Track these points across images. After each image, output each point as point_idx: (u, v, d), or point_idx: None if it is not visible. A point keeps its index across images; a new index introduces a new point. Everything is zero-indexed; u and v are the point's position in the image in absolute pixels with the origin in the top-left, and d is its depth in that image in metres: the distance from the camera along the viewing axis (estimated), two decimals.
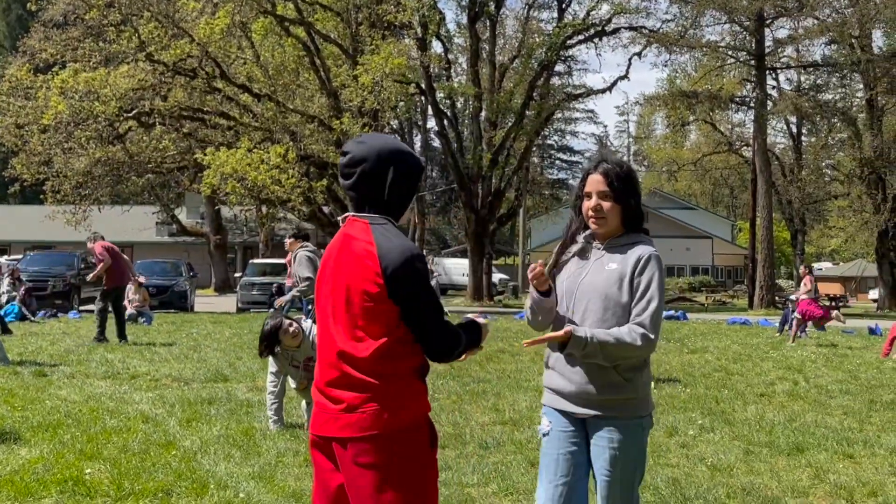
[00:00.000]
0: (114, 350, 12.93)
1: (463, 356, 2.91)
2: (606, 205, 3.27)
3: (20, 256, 31.15)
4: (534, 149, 55.55)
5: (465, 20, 35.46)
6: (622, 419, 3.24)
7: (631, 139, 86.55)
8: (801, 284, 18.46)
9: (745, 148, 42.41)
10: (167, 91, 27.89)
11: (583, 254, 3.36)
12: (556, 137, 76.15)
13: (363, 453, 2.67)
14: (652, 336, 3.15)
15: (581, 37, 33.70)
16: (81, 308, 23.77)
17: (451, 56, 41.70)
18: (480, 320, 3.03)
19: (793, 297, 19.42)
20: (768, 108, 33.54)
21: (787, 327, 18.18)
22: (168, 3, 27.52)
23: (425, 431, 2.78)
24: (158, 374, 10.38)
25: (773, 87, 36.94)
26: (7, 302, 19.53)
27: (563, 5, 35.91)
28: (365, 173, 2.83)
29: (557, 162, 78.82)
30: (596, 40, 33.63)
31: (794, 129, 45.39)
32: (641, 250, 3.26)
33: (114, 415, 7.48)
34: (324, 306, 2.86)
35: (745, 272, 44.24)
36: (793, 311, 18.28)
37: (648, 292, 3.19)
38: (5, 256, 34.77)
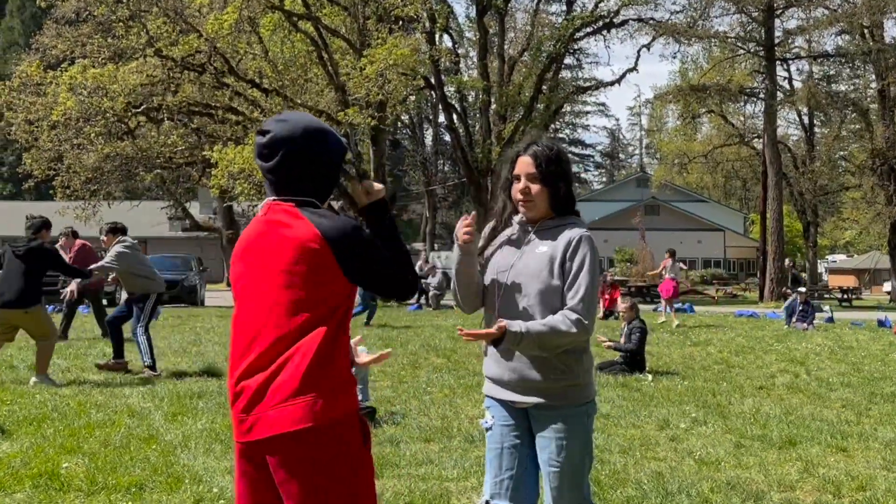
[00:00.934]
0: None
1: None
2: (535, 188, 3.20)
3: None
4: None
5: (474, 13, 35.33)
6: (565, 407, 3.18)
7: (643, 132, 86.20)
8: (661, 267, 19.18)
9: (756, 140, 42.10)
10: (176, 86, 27.95)
11: (514, 238, 3.30)
12: (567, 131, 76.01)
13: (291, 452, 2.46)
14: (586, 321, 3.08)
15: (589, 29, 33.52)
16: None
17: (461, 50, 41.66)
18: (377, 187, 2.85)
19: (801, 288, 19.33)
20: (781, 99, 33.27)
21: (794, 319, 18.04)
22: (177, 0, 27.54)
23: (356, 426, 2.59)
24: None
25: (785, 79, 36.69)
26: None
27: None
28: (289, 154, 2.65)
29: (569, 155, 78.70)
30: (604, 32, 33.44)
31: (807, 121, 45.04)
32: (572, 232, 3.19)
33: (101, 409, 7.47)
34: (249, 297, 2.64)
35: (757, 265, 43.97)
36: (799, 303, 18.16)
37: (580, 276, 3.12)
38: None
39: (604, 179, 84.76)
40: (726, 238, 56.56)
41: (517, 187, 3.23)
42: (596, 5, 33.01)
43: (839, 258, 56.92)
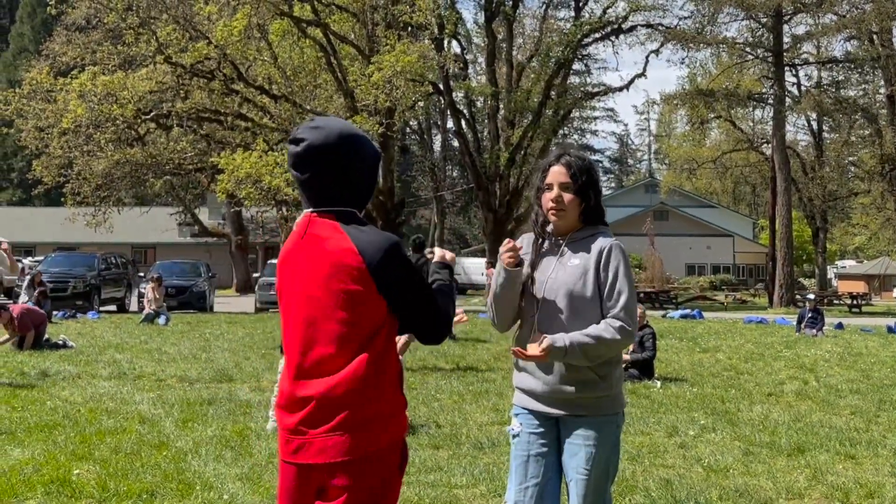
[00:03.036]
0: (123, 350, 13.00)
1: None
2: (567, 196, 3.23)
3: (41, 258, 31.50)
4: (553, 148, 55.16)
5: (482, 20, 35.42)
6: (596, 417, 3.20)
7: (652, 137, 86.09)
8: None
9: (765, 145, 42.04)
10: (186, 93, 28.08)
11: (547, 252, 3.32)
12: (576, 136, 75.94)
13: (333, 479, 2.46)
14: (629, 327, 3.12)
15: (598, 35, 33.53)
16: (101, 308, 24.04)
17: (469, 56, 41.73)
18: (448, 256, 2.90)
19: (810, 295, 19.28)
20: (788, 105, 33.20)
21: (803, 325, 18.00)
22: (186, 6, 27.68)
23: (398, 454, 2.56)
24: (164, 374, 10.42)
25: (794, 84, 36.59)
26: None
27: (581, 3, 35.76)
28: (325, 163, 2.54)
29: None
30: (613, 38, 33.45)
31: (816, 126, 44.92)
32: (602, 242, 3.23)
33: (112, 415, 7.51)
34: (294, 316, 2.59)
35: (766, 271, 43.85)
36: (808, 310, 18.12)
37: (618, 284, 3.16)
38: (29, 258, 35.14)
39: (613, 185, 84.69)
40: (735, 244, 56.45)
41: (549, 196, 3.25)
42: (604, 11, 33.05)
43: (849, 264, 56.67)
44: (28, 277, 21.79)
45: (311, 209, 2.62)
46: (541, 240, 3.34)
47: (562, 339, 3.08)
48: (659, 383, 10.42)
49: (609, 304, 3.15)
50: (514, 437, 3.32)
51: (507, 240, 3.28)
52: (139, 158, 29.86)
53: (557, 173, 3.25)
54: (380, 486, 2.49)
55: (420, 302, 2.59)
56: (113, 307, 25.78)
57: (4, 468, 5.57)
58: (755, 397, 9.63)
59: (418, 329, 2.63)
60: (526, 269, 3.31)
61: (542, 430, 3.25)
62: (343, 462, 2.44)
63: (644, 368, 10.83)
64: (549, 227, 3.33)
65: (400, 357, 5.55)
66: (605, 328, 3.10)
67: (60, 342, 13.33)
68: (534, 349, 3.10)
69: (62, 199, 31.74)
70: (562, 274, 3.21)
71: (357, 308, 2.49)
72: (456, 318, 3.05)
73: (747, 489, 5.65)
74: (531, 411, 3.27)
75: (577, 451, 3.19)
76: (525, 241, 3.42)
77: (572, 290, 3.18)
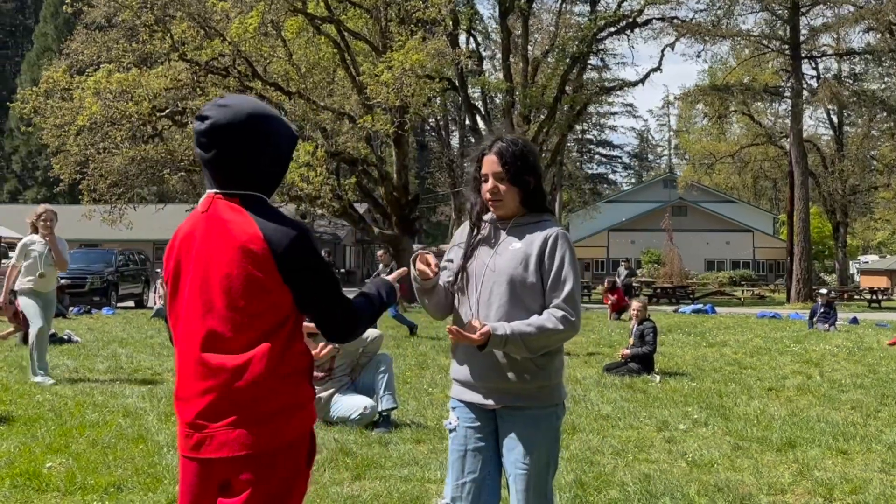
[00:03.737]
0: (126, 345, 13.04)
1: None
2: (503, 186, 3.14)
3: None
4: (571, 143, 54.96)
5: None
6: (535, 408, 3.11)
7: (671, 133, 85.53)
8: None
9: (784, 139, 41.63)
10: (201, 90, 28.18)
11: (487, 238, 3.23)
12: (594, 132, 75.59)
13: (238, 474, 2.35)
14: (572, 317, 3.02)
15: (613, 29, 33.32)
16: (119, 304, 24.25)
17: (486, 51, 41.56)
18: (391, 278, 2.82)
19: (822, 290, 19.03)
20: (805, 98, 32.81)
21: (815, 320, 17.78)
22: (201, 4, 27.75)
23: (305, 447, 2.47)
24: (161, 368, 10.43)
25: (813, 77, 36.17)
26: None
27: None
28: (231, 143, 2.41)
29: (597, 157, 78.28)
30: (628, 32, 33.22)
31: (836, 119, 44.39)
32: (547, 231, 3.13)
33: (98, 409, 7.50)
34: (190, 304, 2.45)
35: (785, 266, 43.42)
36: (821, 305, 17.90)
37: (563, 273, 3.06)
38: None
39: (632, 181, 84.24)
40: (755, 239, 55.95)
41: (486, 187, 3.16)
42: (619, 5, 32.83)
43: (871, 259, 56.02)
44: None
45: (214, 190, 2.49)
46: (476, 230, 3.25)
47: (502, 327, 2.99)
48: (658, 378, 10.29)
49: (553, 294, 3.05)
50: (450, 431, 3.24)
51: (420, 253, 3.16)
52: (154, 155, 30.00)
53: (490, 162, 3.16)
54: (286, 480, 2.40)
55: (325, 295, 2.47)
56: (131, 303, 25.99)
57: None
58: (755, 392, 9.49)
59: (321, 323, 2.51)
60: (459, 260, 3.24)
61: (479, 423, 3.16)
62: (246, 456, 2.34)
63: (644, 362, 10.71)
64: (487, 217, 3.25)
65: (316, 360, 5.39)
66: (548, 318, 3.01)
67: (66, 337, 13.38)
68: (473, 336, 3.00)
69: (79, 196, 31.95)
70: (501, 260, 3.13)
71: (259, 296, 2.37)
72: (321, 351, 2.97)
73: (728, 484, 5.53)
74: (468, 404, 3.18)
75: (515, 444, 3.09)
76: (460, 233, 3.34)
77: (512, 276, 3.08)
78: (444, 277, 3.26)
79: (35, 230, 9.13)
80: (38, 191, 67.42)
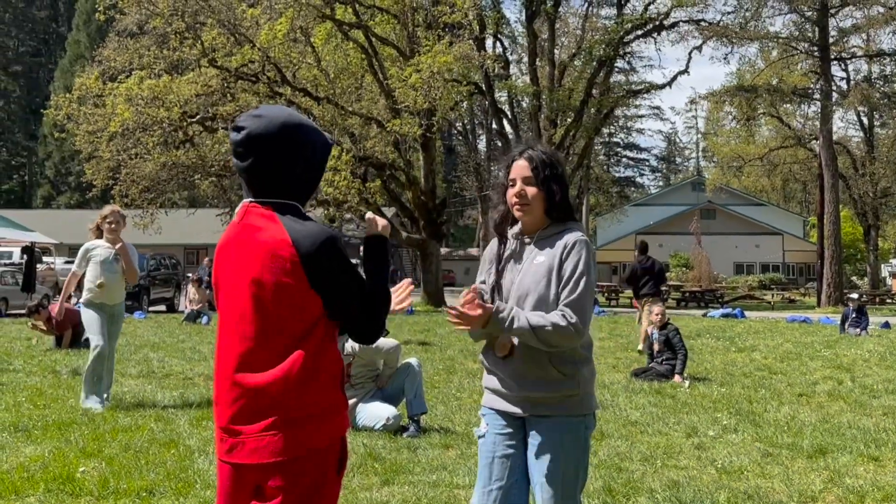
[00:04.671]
0: (158, 349, 13.18)
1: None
2: (531, 190, 3.15)
3: None
4: (598, 147, 54.73)
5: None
6: (563, 417, 3.11)
7: (700, 135, 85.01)
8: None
9: (814, 141, 41.26)
10: (231, 96, 28.45)
11: (514, 253, 3.25)
12: (621, 135, 75.30)
13: (268, 480, 2.40)
14: (573, 319, 2.99)
15: (640, 32, 33.21)
16: (151, 309, 24.48)
17: (514, 56, 41.58)
18: (381, 224, 2.75)
19: (853, 294, 18.83)
20: (836, 100, 32.47)
21: (847, 325, 17.60)
22: (231, 11, 28.00)
23: (335, 454, 2.49)
24: (192, 372, 10.54)
25: (843, 79, 35.79)
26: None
27: (623, 1, 35.44)
28: (267, 153, 2.46)
29: (624, 160, 78.00)
30: (655, 35, 33.10)
31: (866, 121, 43.90)
32: (568, 237, 3.13)
33: (129, 413, 7.60)
34: (226, 312, 2.52)
35: (816, 269, 42.99)
36: (852, 310, 17.71)
37: (574, 277, 3.06)
38: None
39: (660, 184, 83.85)
40: (785, 242, 55.45)
41: (513, 191, 3.19)
42: (646, 7, 32.69)
43: None
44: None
45: (250, 199, 2.55)
46: (503, 245, 3.28)
47: (508, 306, 3.01)
48: (687, 383, 10.24)
49: (563, 295, 3.05)
50: (480, 437, 3.26)
51: (465, 295, 3.07)
52: (185, 160, 30.30)
53: (520, 167, 3.19)
54: (316, 487, 2.43)
55: (353, 299, 2.51)
56: (162, 307, 26.24)
57: (14, 465, 5.66)
58: (785, 397, 9.42)
59: (350, 327, 2.55)
60: (491, 278, 3.27)
61: (508, 430, 3.17)
62: (277, 462, 2.38)
63: (683, 353, 10.70)
64: (512, 231, 3.27)
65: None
66: (554, 314, 3.01)
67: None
68: (471, 310, 2.98)
69: (111, 202, 32.36)
70: (527, 275, 3.15)
71: (289, 301, 2.42)
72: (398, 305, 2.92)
73: (758, 491, 5.51)
74: (498, 411, 3.21)
75: (541, 452, 3.10)
76: (489, 251, 3.37)
77: (536, 291, 3.10)
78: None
79: (99, 234, 8.23)
80: (70, 196, 68.32)
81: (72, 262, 10.43)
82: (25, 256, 22.83)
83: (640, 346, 15.72)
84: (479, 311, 2.98)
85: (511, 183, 3.21)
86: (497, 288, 3.22)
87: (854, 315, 17.59)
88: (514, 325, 2.99)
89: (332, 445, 2.47)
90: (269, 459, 2.38)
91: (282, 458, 2.38)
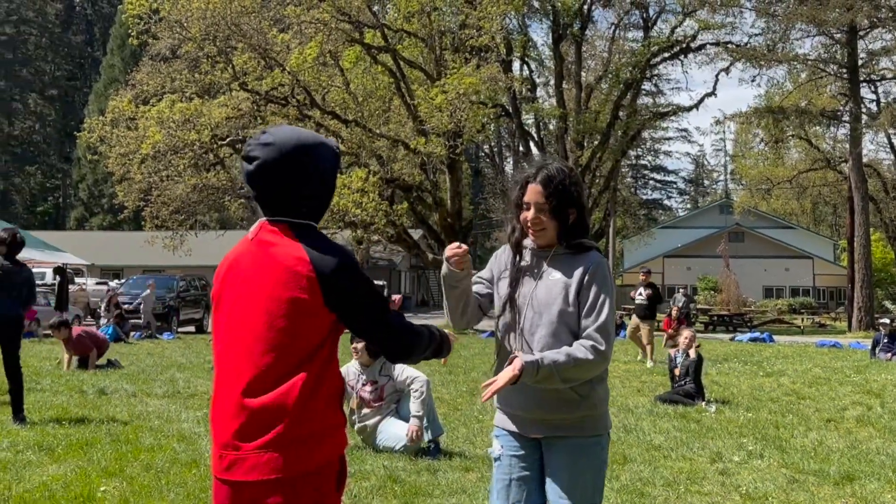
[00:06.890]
0: (184, 370, 13.26)
1: (430, 354, 2.68)
2: (545, 217, 3.11)
3: (122, 281, 32.49)
4: (625, 169, 54.55)
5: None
6: (579, 438, 3.09)
7: (728, 157, 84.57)
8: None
9: (843, 164, 40.87)
10: (261, 119, 28.76)
11: (528, 268, 3.23)
12: (649, 157, 75.07)
13: (267, 498, 2.38)
14: (603, 347, 2.98)
15: (667, 54, 33.19)
16: (180, 330, 24.64)
17: (541, 78, 41.66)
18: (448, 333, 2.82)
19: (885, 319, 18.55)
20: (865, 122, 32.18)
21: (878, 350, 17.35)
22: (261, 36, 28.35)
23: (335, 473, 2.48)
24: None
25: (872, 101, 35.45)
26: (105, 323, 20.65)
27: (649, 24, 35.47)
28: (279, 178, 2.48)
29: (651, 182, 77.71)
30: (682, 57, 33.06)
31: None
32: (588, 260, 3.10)
33: (153, 433, 7.64)
34: (231, 326, 2.51)
35: (846, 293, 42.45)
36: (884, 335, 17.46)
37: (598, 302, 3.03)
38: (116, 280, 36.25)
39: (688, 206, 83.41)
40: (815, 266, 54.81)
41: (526, 216, 3.15)
42: (673, 30, 32.72)
43: None
44: (106, 299, 22.66)
45: (264, 218, 2.57)
46: (518, 257, 3.26)
47: (533, 355, 2.97)
48: (713, 407, 10.13)
49: (585, 322, 3.03)
50: (495, 459, 3.23)
51: (456, 244, 3.13)
52: (216, 182, 30.61)
53: (535, 192, 3.13)
54: None
55: (371, 317, 2.50)
56: (192, 328, 26.40)
57: (36, 484, 5.71)
58: (812, 423, 9.29)
59: (380, 345, 2.56)
60: (506, 288, 3.24)
61: (523, 452, 3.15)
62: (276, 480, 2.37)
63: (699, 390, 10.59)
64: (527, 243, 3.24)
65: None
66: (577, 347, 2.98)
67: (114, 361, 13.66)
68: (508, 371, 2.97)
69: (143, 223, 32.69)
70: (543, 291, 3.12)
71: (301, 318, 2.41)
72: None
73: None
74: (512, 433, 3.19)
75: (558, 474, 3.07)
76: (502, 252, 3.34)
77: (553, 307, 3.07)
78: (476, 289, 3.27)
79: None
80: (103, 218, 69.06)
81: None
82: (58, 277, 23.15)
83: (639, 356, 15.84)
84: (510, 373, 2.91)
85: (525, 206, 3.18)
86: (511, 301, 3.20)
87: (886, 340, 17.34)
88: (541, 372, 2.92)
89: (331, 463, 2.47)
90: (269, 476, 2.37)
91: (282, 475, 2.38)
